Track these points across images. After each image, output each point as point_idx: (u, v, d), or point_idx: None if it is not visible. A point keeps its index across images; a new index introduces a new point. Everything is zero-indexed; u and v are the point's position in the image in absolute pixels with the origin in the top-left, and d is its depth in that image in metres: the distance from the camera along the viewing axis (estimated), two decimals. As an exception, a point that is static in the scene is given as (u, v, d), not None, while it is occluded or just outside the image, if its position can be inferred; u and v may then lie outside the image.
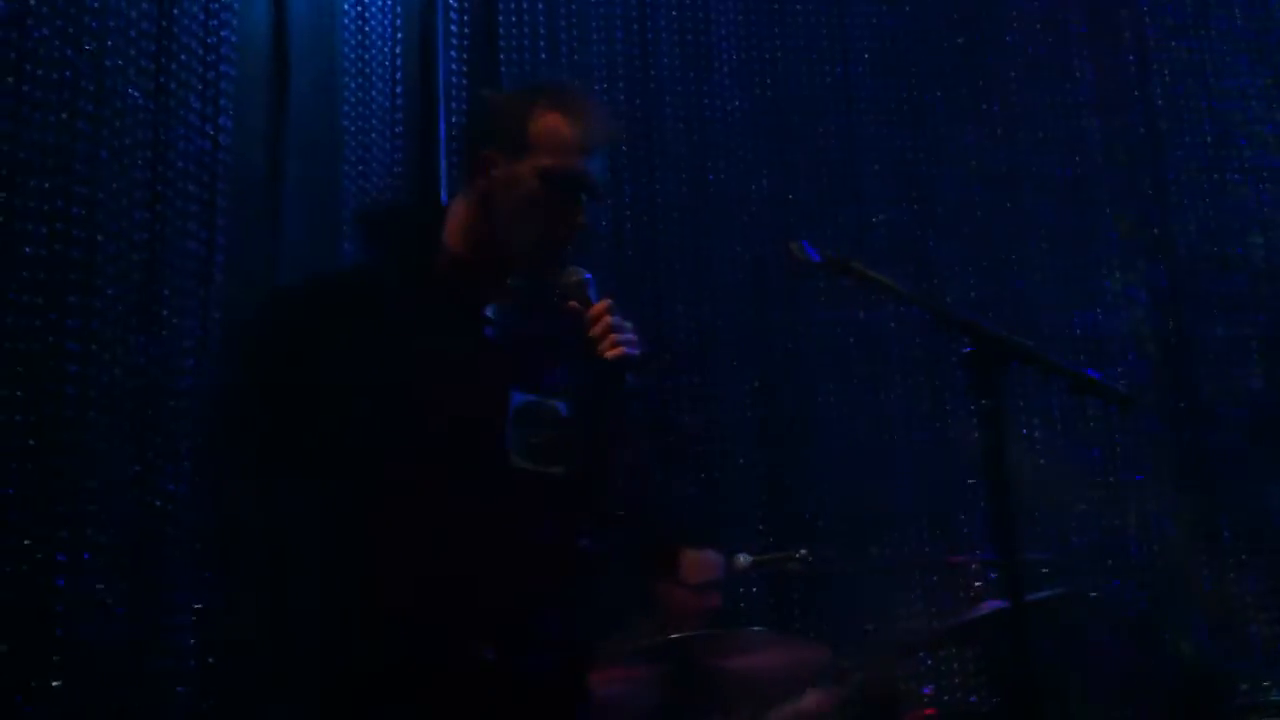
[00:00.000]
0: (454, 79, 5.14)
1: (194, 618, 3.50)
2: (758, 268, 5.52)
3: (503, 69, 5.29)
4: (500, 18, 5.35)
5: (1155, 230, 5.85)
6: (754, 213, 5.61)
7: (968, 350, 2.69)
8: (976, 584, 4.89)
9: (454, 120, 5.04)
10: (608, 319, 2.43)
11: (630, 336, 2.44)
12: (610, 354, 2.41)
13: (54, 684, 3.09)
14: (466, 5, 5.28)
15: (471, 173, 2.51)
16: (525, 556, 2.40)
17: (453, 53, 5.14)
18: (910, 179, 5.78)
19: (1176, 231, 5.88)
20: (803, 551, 4.58)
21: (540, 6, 5.41)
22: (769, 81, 5.79)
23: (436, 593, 2.32)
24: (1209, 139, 6.01)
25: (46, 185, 3.33)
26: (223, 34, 4.04)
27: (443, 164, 4.92)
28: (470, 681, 2.32)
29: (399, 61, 4.91)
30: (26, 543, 3.13)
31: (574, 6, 5.49)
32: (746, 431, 5.46)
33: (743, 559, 4.49)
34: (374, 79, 4.75)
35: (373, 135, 4.66)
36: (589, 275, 2.47)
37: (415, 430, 2.34)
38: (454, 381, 2.40)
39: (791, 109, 5.78)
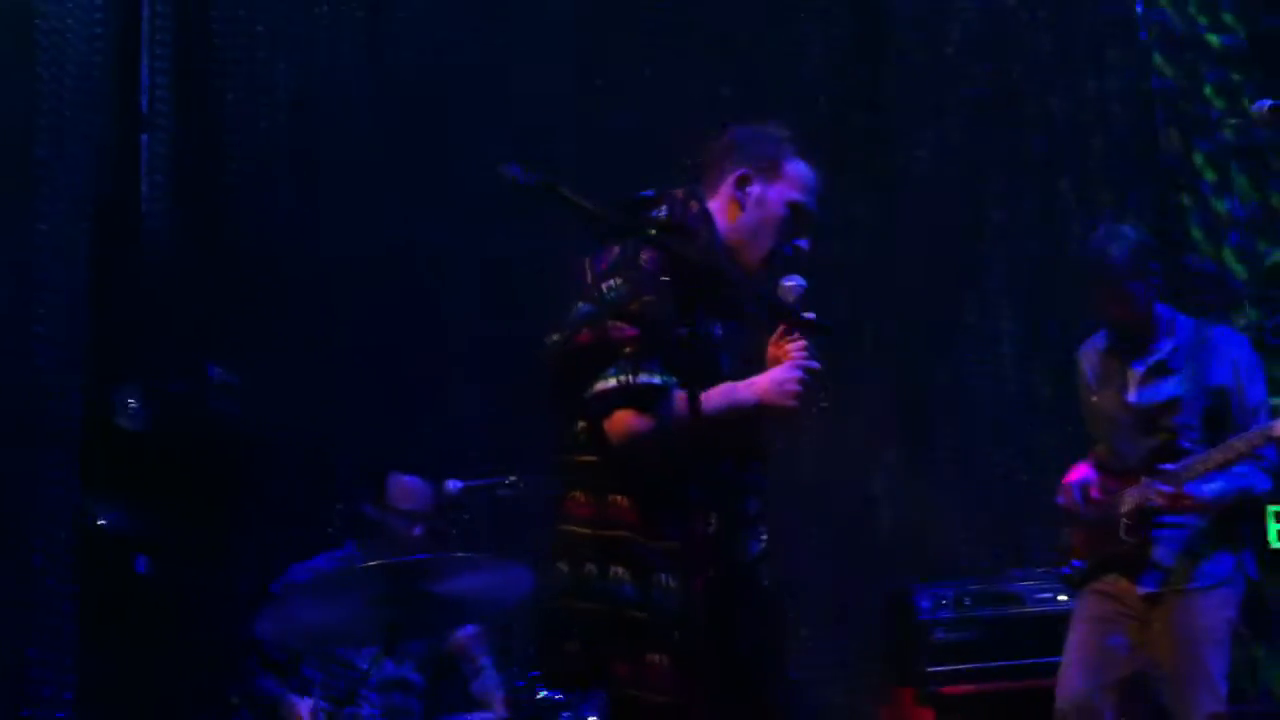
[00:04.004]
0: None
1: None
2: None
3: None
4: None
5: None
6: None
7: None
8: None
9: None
10: (801, 340, 2.86)
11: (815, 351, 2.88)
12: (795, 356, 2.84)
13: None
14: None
15: (724, 184, 3.03)
16: None
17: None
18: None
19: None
20: (513, 478, 4.61)
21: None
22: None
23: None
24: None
25: None
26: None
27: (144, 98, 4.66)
28: None
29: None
30: None
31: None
32: (467, 358, 5.43)
33: (452, 485, 4.49)
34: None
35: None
36: (805, 284, 2.89)
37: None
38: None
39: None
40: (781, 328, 2.90)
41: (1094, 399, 4.41)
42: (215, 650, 4.59)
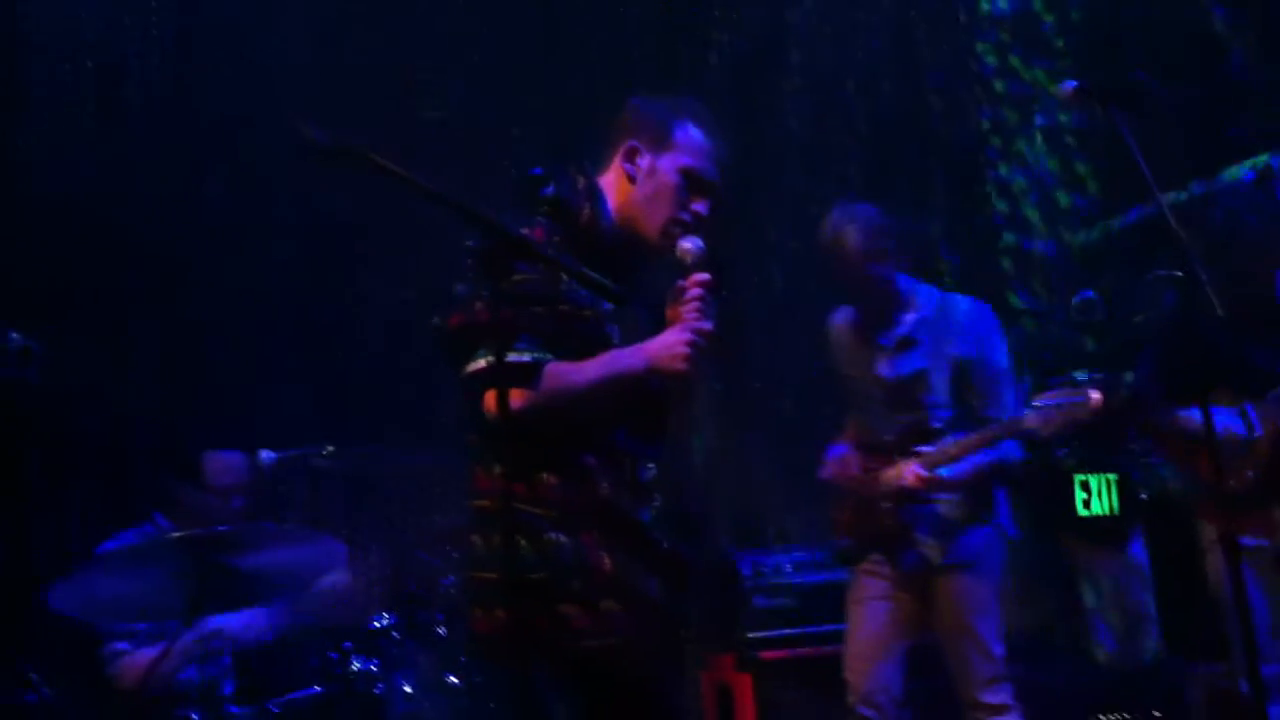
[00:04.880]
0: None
1: None
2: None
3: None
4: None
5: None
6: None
7: (475, 244, 2.80)
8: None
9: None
10: (697, 290, 2.83)
11: (710, 312, 2.84)
12: (688, 318, 2.81)
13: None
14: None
15: (616, 158, 3.04)
16: None
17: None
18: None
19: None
20: (330, 448, 4.56)
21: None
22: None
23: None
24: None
25: None
26: None
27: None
28: None
29: None
30: None
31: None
32: (282, 326, 5.34)
33: (266, 456, 4.42)
34: None
35: None
36: (703, 246, 2.89)
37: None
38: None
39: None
40: (676, 288, 2.88)
41: (845, 374, 4.42)
42: (12, 627, 4.45)
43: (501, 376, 2.69)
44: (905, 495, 4.13)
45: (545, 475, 2.80)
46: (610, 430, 2.88)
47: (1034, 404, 3.94)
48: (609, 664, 2.78)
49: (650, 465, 2.94)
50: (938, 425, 4.16)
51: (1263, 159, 5.90)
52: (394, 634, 4.45)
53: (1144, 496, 6.38)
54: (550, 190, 2.96)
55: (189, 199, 5.28)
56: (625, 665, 2.81)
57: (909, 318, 4.27)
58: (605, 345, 2.88)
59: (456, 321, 2.82)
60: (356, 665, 4.30)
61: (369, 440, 5.03)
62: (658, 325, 2.90)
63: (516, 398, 2.72)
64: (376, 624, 4.50)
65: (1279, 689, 4.12)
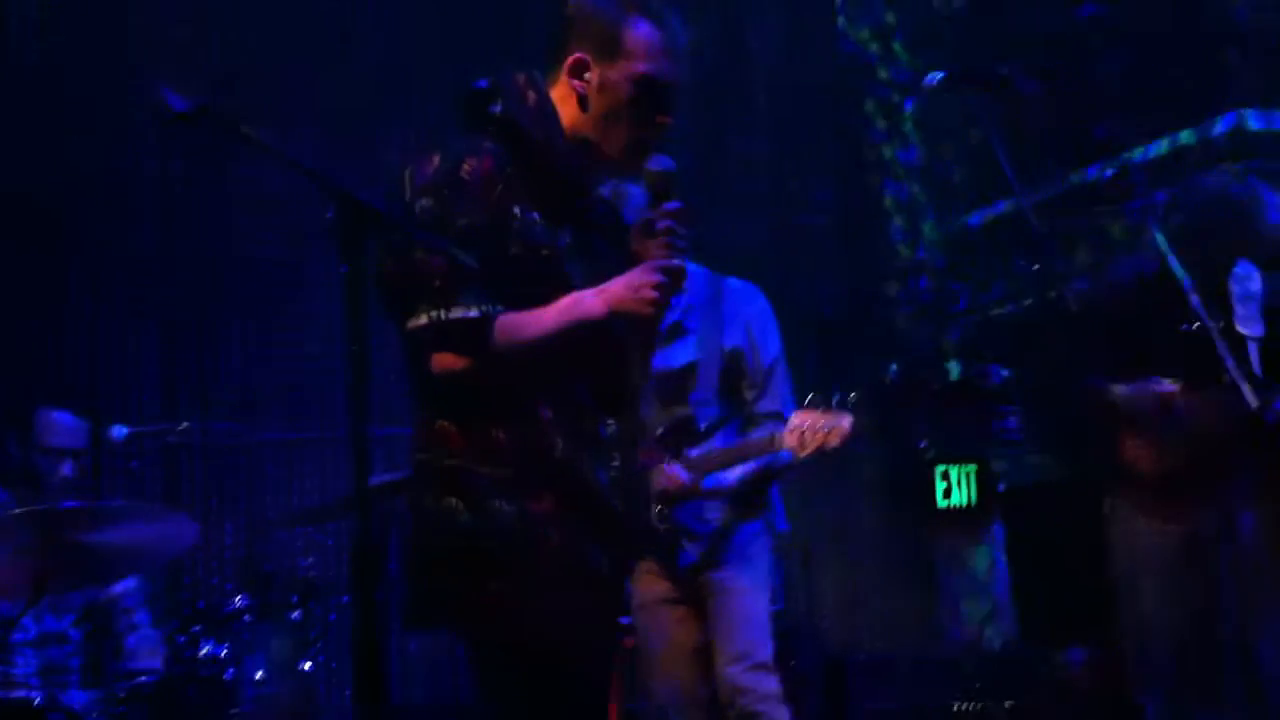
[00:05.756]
0: None
1: None
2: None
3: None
4: None
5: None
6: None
7: (331, 215, 2.60)
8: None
9: None
10: (666, 222, 2.53)
11: (682, 245, 2.55)
12: (656, 254, 2.52)
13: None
14: None
15: (563, 72, 2.64)
16: None
17: None
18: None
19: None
20: (185, 424, 4.44)
21: None
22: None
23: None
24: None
25: None
26: None
27: None
28: None
29: None
30: None
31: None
32: (136, 296, 5.21)
33: (117, 432, 4.28)
34: None
35: None
36: (673, 165, 2.56)
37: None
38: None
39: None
40: (642, 220, 2.56)
41: None
42: None
43: (446, 334, 2.46)
44: (672, 498, 3.98)
45: (495, 431, 2.52)
46: (570, 381, 2.61)
47: (791, 422, 3.83)
48: (537, 649, 2.50)
49: (611, 421, 2.67)
50: (703, 425, 4.00)
51: (1123, 158, 6.04)
52: (246, 617, 4.34)
53: (1002, 488, 6.50)
54: (498, 108, 2.63)
55: (43, 153, 5.08)
56: (554, 652, 2.52)
57: (679, 301, 3.85)
58: (566, 288, 2.56)
59: (393, 271, 2.49)
60: (205, 649, 4.18)
61: (228, 418, 4.93)
62: (623, 260, 2.61)
63: (459, 361, 2.47)
64: (229, 608, 4.39)
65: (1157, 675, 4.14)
